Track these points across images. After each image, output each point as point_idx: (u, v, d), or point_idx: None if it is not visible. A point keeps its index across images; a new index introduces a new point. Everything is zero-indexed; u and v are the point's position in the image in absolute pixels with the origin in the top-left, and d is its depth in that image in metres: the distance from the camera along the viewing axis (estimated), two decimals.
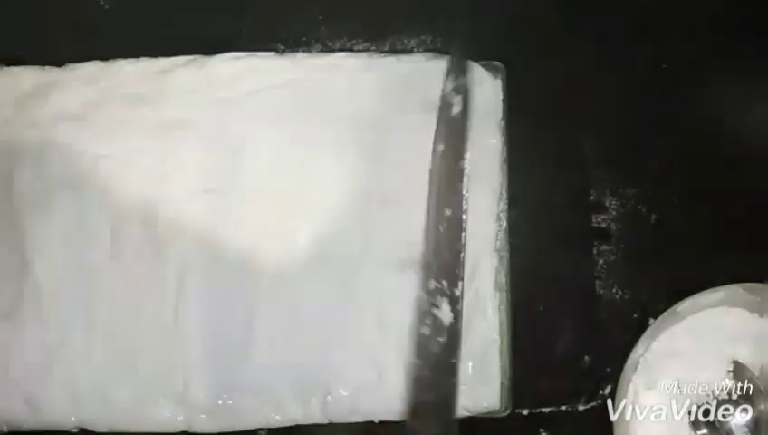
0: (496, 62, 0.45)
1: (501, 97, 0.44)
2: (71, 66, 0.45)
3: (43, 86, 0.45)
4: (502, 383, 0.42)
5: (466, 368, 0.41)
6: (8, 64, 0.45)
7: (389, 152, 0.43)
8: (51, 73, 0.45)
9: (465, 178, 0.40)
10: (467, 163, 0.40)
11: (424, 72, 0.43)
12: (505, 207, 0.43)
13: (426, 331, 0.38)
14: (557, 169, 0.46)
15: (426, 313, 0.38)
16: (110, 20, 0.48)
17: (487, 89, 0.44)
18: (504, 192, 0.43)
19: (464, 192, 0.40)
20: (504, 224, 0.43)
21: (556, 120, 0.46)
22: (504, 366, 0.42)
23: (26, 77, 0.45)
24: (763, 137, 0.47)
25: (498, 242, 0.43)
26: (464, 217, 0.40)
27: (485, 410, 0.41)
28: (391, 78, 0.43)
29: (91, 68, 0.45)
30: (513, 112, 0.44)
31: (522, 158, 0.45)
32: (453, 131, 0.40)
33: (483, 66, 0.45)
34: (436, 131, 0.40)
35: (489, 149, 0.43)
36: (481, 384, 0.41)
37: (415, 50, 0.47)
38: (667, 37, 0.47)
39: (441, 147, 0.40)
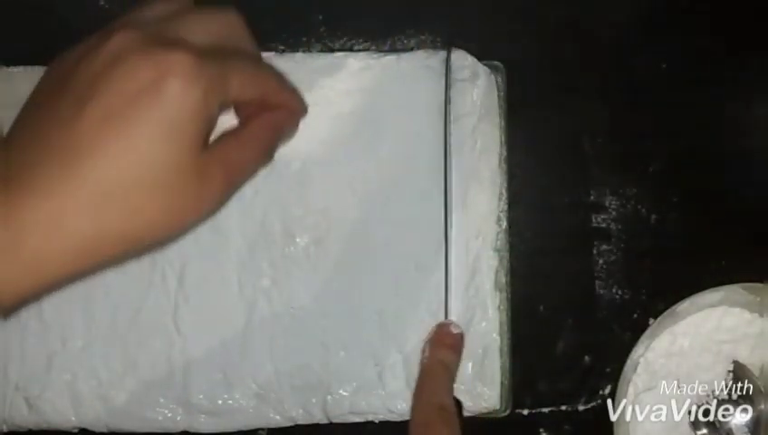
0: (496, 62, 0.45)
1: (502, 96, 0.44)
2: None
3: None
4: (502, 383, 0.42)
5: (466, 367, 0.41)
6: (8, 64, 0.45)
7: (390, 152, 0.43)
8: None
9: (451, 173, 0.41)
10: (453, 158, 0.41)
11: (425, 70, 0.43)
12: (505, 207, 0.43)
13: None
14: (557, 169, 0.46)
15: None
16: (111, 20, 0.48)
17: (487, 88, 0.43)
18: (504, 192, 0.43)
19: (450, 187, 0.41)
20: (504, 224, 0.43)
21: (556, 120, 0.46)
22: (503, 366, 0.42)
23: (26, 77, 0.45)
24: (764, 136, 0.47)
25: (498, 242, 0.43)
26: (450, 211, 0.41)
27: (485, 410, 0.41)
28: (392, 77, 0.43)
29: None
30: (513, 112, 0.44)
31: (522, 157, 0.45)
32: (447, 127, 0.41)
33: (483, 65, 0.45)
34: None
35: (489, 148, 0.43)
36: (481, 384, 0.41)
37: (415, 49, 0.47)
38: (667, 37, 0.47)
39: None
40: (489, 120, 0.43)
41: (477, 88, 0.43)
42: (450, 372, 0.38)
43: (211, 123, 0.30)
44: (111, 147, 0.27)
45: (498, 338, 0.42)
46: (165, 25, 0.30)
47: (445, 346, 0.39)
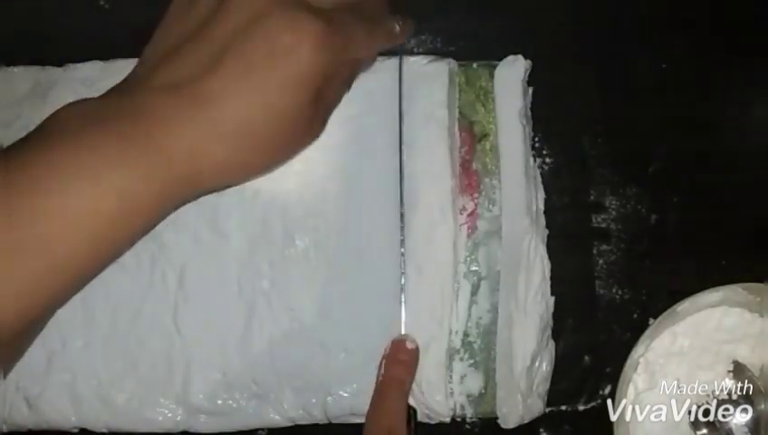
0: (496, 62, 0.45)
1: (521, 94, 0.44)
2: (71, 66, 0.45)
3: (43, 86, 0.45)
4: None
5: (516, 381, 0.41)
6: (8, 64, 0.45)
7: (389, 155, 0.43)
8: (51, 73, 0.45)
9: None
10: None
11: (425, 75, 0.43)
12: None
13: None
14: (557, 169, 0.46)
15: None
16: (110, 20, 0.48)
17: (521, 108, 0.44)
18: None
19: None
20: None
21: (556, 119, 0.46)
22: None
23: (26, 77, 0.45)
24: (764, 136, 0.47)
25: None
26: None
27: (531, 418, 0.41)
28: (392, 81, 0.43)
29: (91, 68, 0.45)
30: None
31: None
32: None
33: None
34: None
35: (516, 159, 0.43)
36: (531, 395, 0.41)
37: (415, 50, 0.47)
38: (667, 37, 0.47)
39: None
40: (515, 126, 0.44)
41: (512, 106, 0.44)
42: (404, 390, 0.39)
43: (327, 81, 0.34)
44: (245, 93, 0.32)
45: (537, 347, 0.41)
46: None
47: (399, 363, 0.39)
